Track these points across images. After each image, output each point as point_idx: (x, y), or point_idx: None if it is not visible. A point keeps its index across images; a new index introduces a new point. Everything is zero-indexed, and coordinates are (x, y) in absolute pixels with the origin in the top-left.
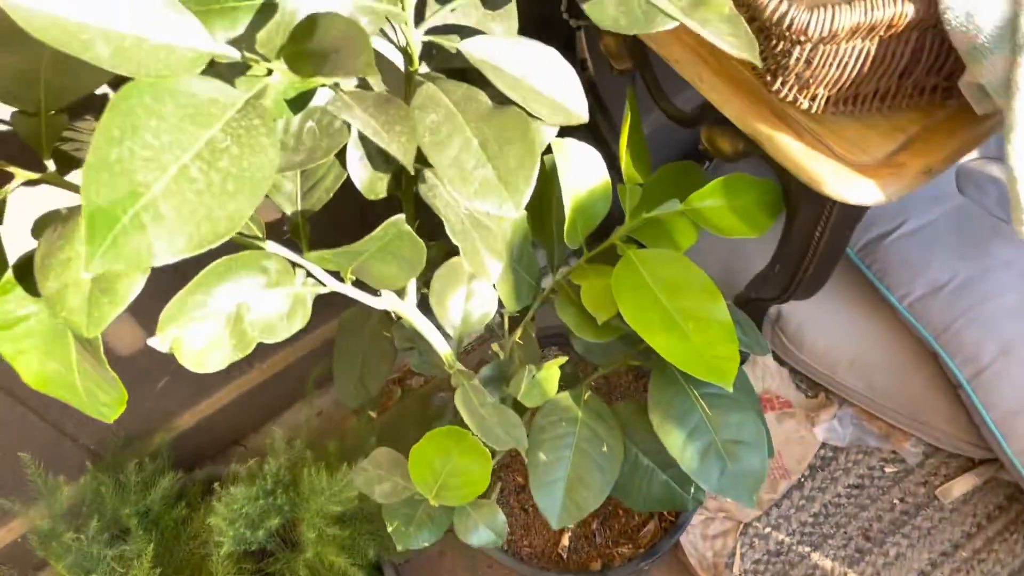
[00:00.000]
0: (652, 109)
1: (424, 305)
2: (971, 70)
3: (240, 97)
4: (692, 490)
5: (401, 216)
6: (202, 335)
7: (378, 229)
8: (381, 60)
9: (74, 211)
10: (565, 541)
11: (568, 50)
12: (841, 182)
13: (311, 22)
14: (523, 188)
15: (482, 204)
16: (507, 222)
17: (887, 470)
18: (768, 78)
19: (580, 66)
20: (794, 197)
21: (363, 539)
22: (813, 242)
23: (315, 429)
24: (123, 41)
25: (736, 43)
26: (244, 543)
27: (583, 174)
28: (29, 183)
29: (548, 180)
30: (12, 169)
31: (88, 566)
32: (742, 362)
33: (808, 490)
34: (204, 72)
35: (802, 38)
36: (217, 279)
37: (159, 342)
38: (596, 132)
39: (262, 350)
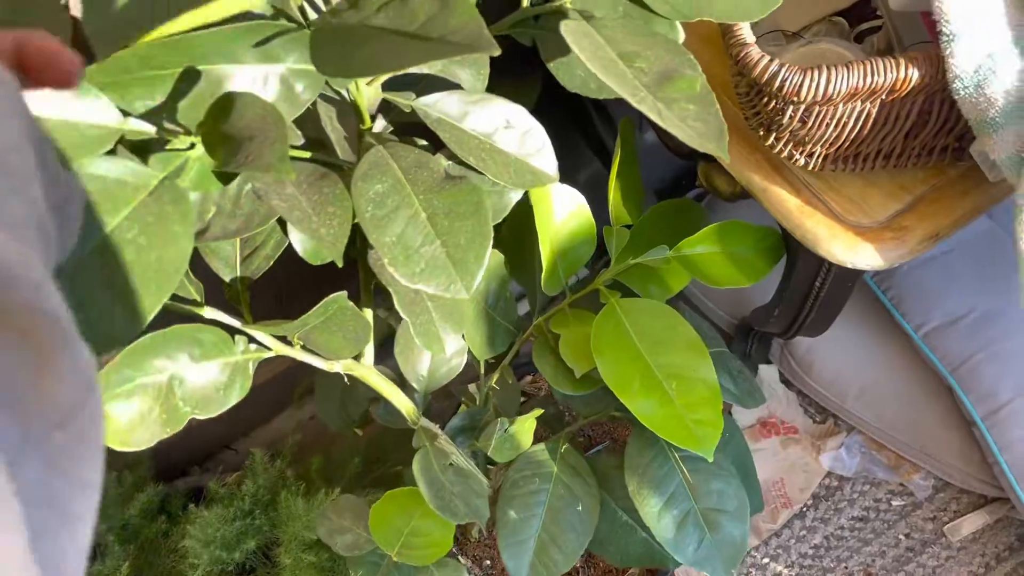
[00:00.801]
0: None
1: (389, 352)
2: (981, 140)
3: (153, 177)
4: None
5: (342, 294)
6: (127, 412)
7: (319, 305)
8: (342, 103)
9: None
10: None
11: None
12: (838, 244)
13: (227, 100)
14: (474, 268)
15: (427, 286)
16: None
17: (894, 503)
18: (761, 132)
19: None
20: (796, 245)
21: (342, 564)
22: (813, 292)
23: (301, 441)
24: None
25: (702, 130)
26: (221, 563)
27: (563, 218)
28: None
29: (528, 217)
30: None
31: None
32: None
33: (810, 520)
34: (119, 144)
35: (795, 99)
36: (146, 353)
37: None
38: (601, 147)
39: None
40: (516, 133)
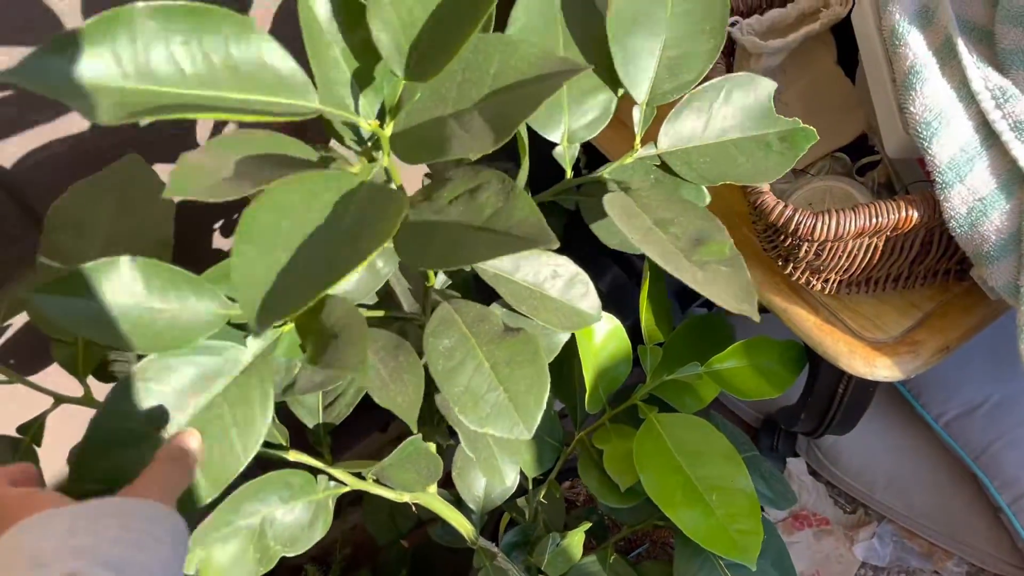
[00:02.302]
0: None
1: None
2: (979, 268)
3: (249, 355)
4: None
5: (418, 437)
6: (226, 554)
7: (398, 448)
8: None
9: None
10: None
11: None
12: (857, 359)
13: (320, 301)
14: (535, 411)
15: (493, 429)
16: None
17: None
18: (780, 262)
19: None
20: (816, 355)
21: None
22: (838, 396)
23: (347, 555)
24: (141, 317)
25: (736, 295)
26: None
27: (601, 341)
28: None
29: (568, 344)
30: (50, 392)
31: None
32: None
33: None
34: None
35: (809, 238)
36: (242, 499)
37: (186, 566)
38: (620, 254)
39: None
40: (562, 281)
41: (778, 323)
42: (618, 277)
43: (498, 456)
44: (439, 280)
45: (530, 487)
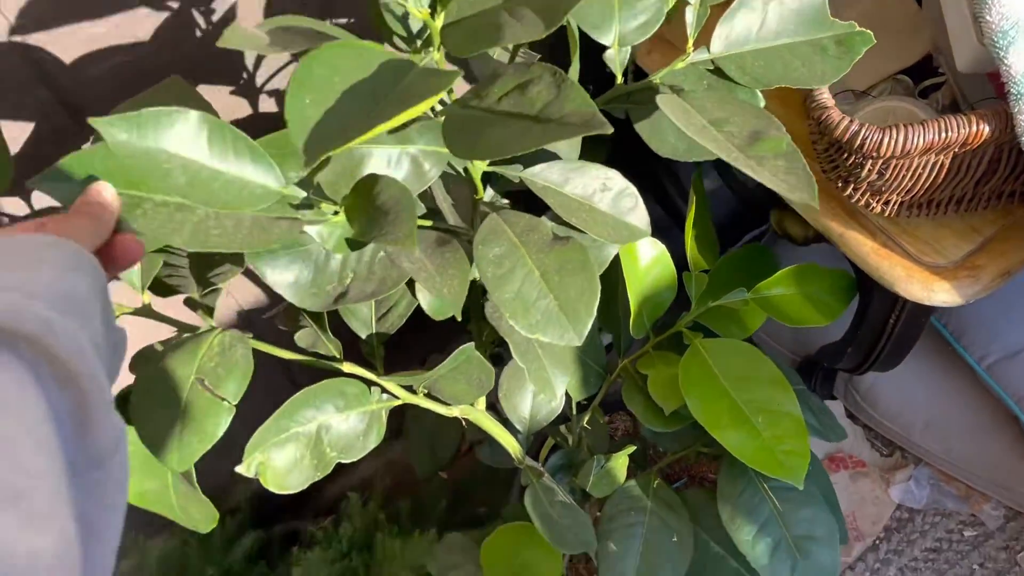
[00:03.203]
0: (710, 174)
1: (493, 394)
2: None
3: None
4: None
5: (471, 345)
6: (284, 458)
7: (450, 356)
8: (455, 184)
9: (168, 349)
10: None
11: None
12: (916, 284)
13: (372, 180)
14: (585, 319)
15: (544, 335)
16: None
17: (966, 534)
18: (839, 184)
19: None
20: (869, 286)
21: None
22: (888, 327)
23: (387, 486)
24: (200, 172)
25: (792, 184)
26: None
27: (647, 265)
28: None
29: (613, 267)
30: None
31: None
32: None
33: (883, 553)
34: (272, 207)
35: (874, 155)
36: (299, 406)
37: (245, 468)
38: (664, 194)
39: None
40: (611, 194)
41: (822, 258)
42: (661, 218)
43: (548, 368)
44: (487, 195)
45: (574, 413)
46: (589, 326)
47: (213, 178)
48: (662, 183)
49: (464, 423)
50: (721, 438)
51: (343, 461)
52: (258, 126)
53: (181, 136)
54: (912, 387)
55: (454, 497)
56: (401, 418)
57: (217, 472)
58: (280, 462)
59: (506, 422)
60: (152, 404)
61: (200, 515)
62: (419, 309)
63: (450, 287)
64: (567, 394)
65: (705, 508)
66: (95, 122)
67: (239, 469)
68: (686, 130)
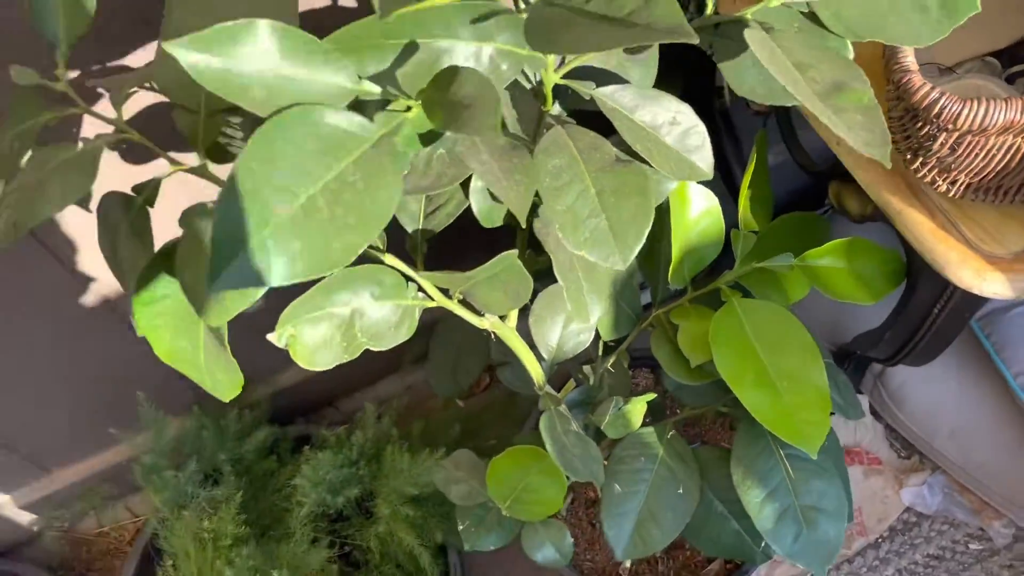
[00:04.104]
0: (779, 140)
1: (522, 322)
2: None
3: (375, 132)
4: (763, 545)
5: (514, 252)
6: (315, 335)
7: (491, 261)
8: (516, 88)
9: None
10: (627, 563)
11: (705, 75)
12: (969, 271)
13: (451, 72)
14: (633, 243)
15: (590, 253)
16: None
17: (971, 547)
18: (908, 156)
19: (716, 93)
20: (917, 271)
21: (433, 521)
22: (931, 317)
23: (403, 405)
24: (276, 83)
25: (867, 139)
26: (323, 505)
27: (697, 216)
28: (182, 172)
29: (660, 214)
30: (169, 157)
31: (182, 502)
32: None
33: (884, 552)
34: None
35: (950, 126)
36: (337, 287)
37: (276, 337)
38: (723, 161)
39: None
40: (680, 129)
41: (876, 238)
42: (715, 183)
43: (586, 292)
44: (554, 110)
45: (600, 353)
46: (635, 251)
47: (288, 85)
48: (723, 151)
49: (491, 341)
50: (742, 396)
51: (372, 348)
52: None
53: (253, 50)
54: (943, 392)
55: (466, 426)
56: (427, 342)
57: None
58: (311, 339)
59: (533, 348)
60: (196, 257)
61: (225, 380)
62: (465, 225)
63: (516, 192)
64: (596, 333)
65: (715, 467)
66: (168, 46)
67: (270, 337)
68: (769, 67)
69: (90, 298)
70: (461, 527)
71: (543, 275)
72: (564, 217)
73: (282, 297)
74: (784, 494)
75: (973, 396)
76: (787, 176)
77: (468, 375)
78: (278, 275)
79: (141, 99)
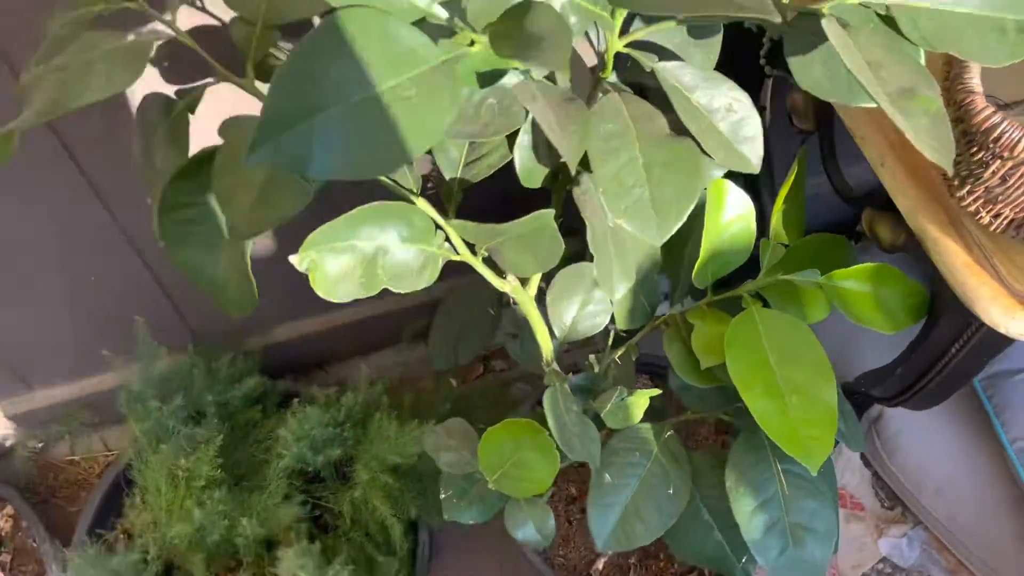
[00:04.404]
0: (816, 173)
1: (538, 299)
2: None
3: (439, 56)
4: (743, 560)
5: (550, 211)
6: (337, 265)
7: (525, 217)
8: (574, 58)
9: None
10: (600, 565)
11: (749, 89)
12: (996, 307)
13: (524, 7)
14: (673, 220)
15: (628, 223)
16: (645, 246)
17: None
18: (955, 183)
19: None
20: (940, 307)
21: (409, 496)
22: (946, 358)
23: (397, 379)
24: None
25: (933, 145)
26: (302, 462)
27: (729, 219)
28: (225, 83)
29: (693, 214)
30: (217, 66)
31: (161, 436)
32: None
33: None
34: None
35: (1006, 154)
36: (365, 220)
37: (298, 260)
38: (754, 182)
39: None
40: (735, 118)
41: (904, 269)
42: None
43: (615, 265)
44: (612, 78)
45: (609, 343)
46: (674, 229)
47: None
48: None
49: (498, 321)
50: (750, 403)
51: (391, 288)
52: None
53: None
54: (936, 447)
55: (457, 406)
56: (429, 320)
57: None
58: (332, 268)
59: (546, 325)
60: (234, 166)
61: (238, 295)
62: (498, 192)
63: (568, 142)
64: (610, 322)
65: (708, 474)
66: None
67: (292, 259)
68: (844, 58)
69: (102, 214)
70: (443, 495)
71: (568, 260)
72: (609, 183)
73: (279, 263)
74: (776, 508)
75: (966, 456)
76: (823, 208)
77: (468, 351)
78: (318, 165)
79: (192, 18)
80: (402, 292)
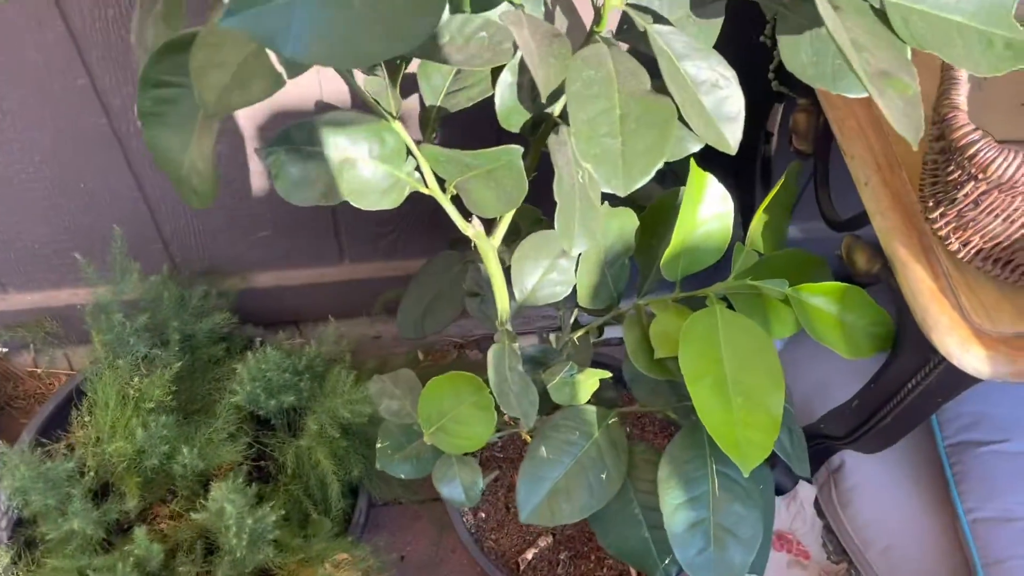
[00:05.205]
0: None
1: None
2: None
3: None
4: (666, 562)
5: (519, 148)
6: (300, 172)
7: (493, 149)
8: (570, 10)
9: None
10: (529, 555)
11: (757, 115)
12: (955, 339)
13: None
14: (639, 175)
15: (595, 170)
16: (616, 221)
17: None
18: (930, 203)
19: (764, 137)
20: (903, 337)
21: (355, 457)
22: (901, 392)
23: (366, 345)
24: None
25: (903, 121)
26: (255, 403)
27: (707, 216)
28: None
29: (668, 210)
30: None
31: (120, 351)
32: (781, 493)
33: None
34: None
35: (980, 175)
36: (338, 128)
37: (264, 154)
38: (750, 210)
39: (357, 251)
40: (720, 94)
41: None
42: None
43: (578, 221)
44: (604, 33)
45: (569, 321)
46: (639, 182)
47: None
48: (753, 198)
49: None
50: (695, 396)
51: (351, 201)
52: None
53: None
54: (890, 506)
55: (421, 377)
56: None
57: (224, 253)
58: (295, 172)
59: (508, 287)
60: (215, 44)
61: (200, 185)
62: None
63: (546, 70)
64: (572, 305)
65: (645, 468)
66: None
67: (256, 150)
68: (832, 34)
69: (96, 113)
70: (380, 444)
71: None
72: (582, 127)
73: (269, 205)
74: (703, 507)
75: (919, 520)
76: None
77: (435, 321)
78: (293, 43)
79: None
80: (361, 207)
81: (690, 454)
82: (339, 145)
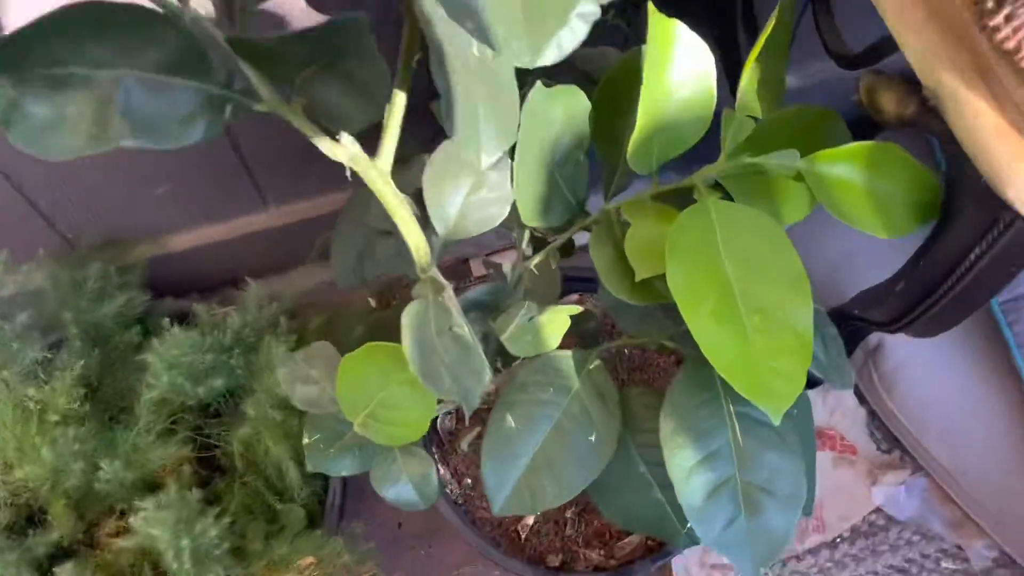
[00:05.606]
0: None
1: (417, 197)
2: None
3: None
4: (689, 525)
5: (363, 16)
6: (51, 109)
7: (329, 22)
8: None
9: None
10: (529, 520)
11: None
12: None
13: None
14: (542, 37)
15: (498, 22)
16: (557, 105)
17: (943, 564)
18: (990, 3)
19: None
20: (957, 199)
21: None
22: (961, 268)
23: (309, 299)
24: None
25: None
26: (181, 394)
27: (682, 79)
28: None
29: (634, 74)
30: None
31: (7, 360)
32: (812, 386)
33: (840, 554)
34: None
35: None
36: (94, 31)
37: None
38: (733, 52)
39: (279, 192)
40: None
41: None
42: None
43: (483, 112)
44: None
45: (523, 244)
46: (549, 50)
47: None
48: (736, 36)
49: (372, 201)
50: (695, 328)
51: (143, 144)
52: None
53: None
54: (943, 383)
55: (375, 331)
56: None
57: (124, 216)
58: (40, 112)
59: (426, 220)
60: None
61: None
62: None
63: None
64: (519, 224)
65: (645, 416)
66: None
67: None
68: None
69: None
70: (307, 441)
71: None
72: None
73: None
74: (725, 463)
75: (978, 393)
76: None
77: (374, 266)
78: None
79: None
80: (158, 149)
81: (698, 398)
82: (104, 61)
